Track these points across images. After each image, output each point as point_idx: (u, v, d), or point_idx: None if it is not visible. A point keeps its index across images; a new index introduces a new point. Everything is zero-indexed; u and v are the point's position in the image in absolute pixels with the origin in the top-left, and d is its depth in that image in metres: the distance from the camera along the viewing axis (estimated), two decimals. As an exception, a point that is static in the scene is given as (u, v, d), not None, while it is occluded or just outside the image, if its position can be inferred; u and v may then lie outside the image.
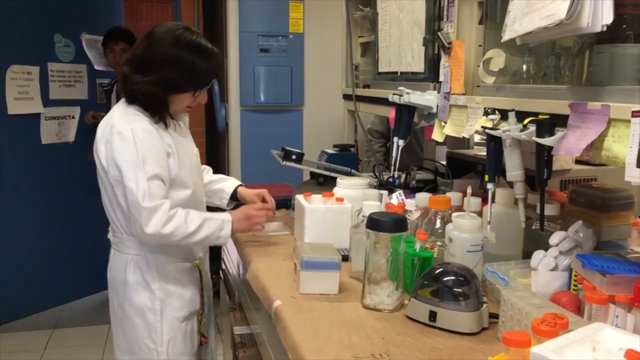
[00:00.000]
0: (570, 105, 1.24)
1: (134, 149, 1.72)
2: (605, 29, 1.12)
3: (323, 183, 2.26)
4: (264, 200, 2.02)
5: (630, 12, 1.22)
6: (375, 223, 1.42)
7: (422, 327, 1.33)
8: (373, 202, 1.69)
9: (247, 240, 2.01)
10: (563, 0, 1.14)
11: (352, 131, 2.85)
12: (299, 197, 1.96)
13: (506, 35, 1.36)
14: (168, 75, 1.76)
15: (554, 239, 1.45)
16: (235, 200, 2.09)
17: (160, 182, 1.75)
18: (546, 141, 1.27)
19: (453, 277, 1.35)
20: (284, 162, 2.22)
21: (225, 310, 2.38)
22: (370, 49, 2.67)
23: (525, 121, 1.31)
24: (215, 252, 2.42)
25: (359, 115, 2.61)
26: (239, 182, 2.14)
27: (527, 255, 1.63)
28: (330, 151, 2.59)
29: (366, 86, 2.61)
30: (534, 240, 1.65)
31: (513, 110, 1.40)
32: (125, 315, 1.89)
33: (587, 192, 1.67)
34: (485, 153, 2.48)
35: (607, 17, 1.11)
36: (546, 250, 1.47)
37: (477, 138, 2.70)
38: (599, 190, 1.67)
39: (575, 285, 1.31)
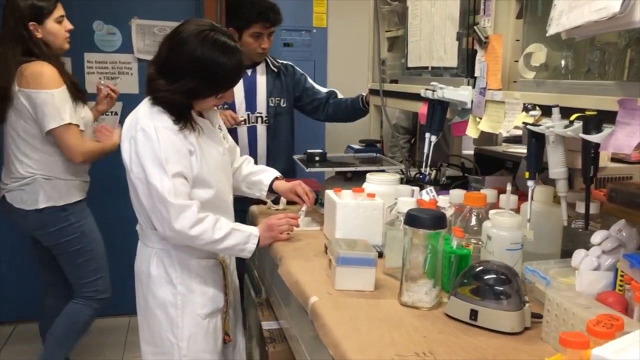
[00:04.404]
0: (619, 102, 1.21)
1: (158, 146, 1.71)
2: (659, 23, 1.09)
3: (351, 178, 2.24)
4: (297, 194, 2.03)
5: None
6: (414, 219, 1.40)
7: (462, 325, 1.31)
8: (409, 199, 1.67)
9: (276, 235, 1.99)
10: (616, -7, 1.11)
11: (377, 126, 2.83)
12: (330, 193, 1.94)
13: (552, 29, 1.33)
14: (192, 82, 1.74)
15: (596, 237, 1.41)
16: (273, 193, 2.10)
17: (183, 180, 1.74)
18: (594, 138, 1.24)
19: (494, 276, 1.32)
20: (309, 169, 2.19)
21: (250, 306, 2.37)
22: (397, 44, 2.64)
23: (573, 117, 1.28)
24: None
25: (386, 111, 2.58)
26: (277, 174, 2.13)
27: (565, 254, 1.61)
28: (356, 146, 2.56)
29: (393, 81, 2.58)
30: (571, 239, 1.63)
31: (557, 106, 1.37)
32: (148, 307, 1.89)
33: (627, 191, 1.64)
34: (513, 150, 2.48)
35: (661, 11, 1.09)
36: (585, 249, 1.44)
37: (504, 134, 2.66)
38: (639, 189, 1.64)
39: (621, 286, 1.28)
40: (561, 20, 1.29)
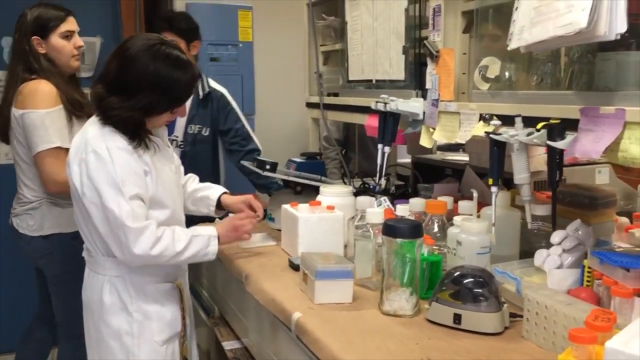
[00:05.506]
0: (581, 110, 1.31)
1: (112, 167, 1.64)
2: (619, 37, 1.19)
3: (301, 192, 2.25)
4: (251, 207, 1.99)
5: (632, 22, 1.30)
6: (392, 229, 1.43)
7: (446, 330, 1.36)
8: (377, 209, 1.70)
9: (234, 252, 1.97)
10: (582, 10, 1.20)
11: (316, 139, 2.85)
12: (287, 207, 1.94)
13: (513, 44, 1.41)
14: (147, 98, 1.68)
15: (555, 237, 1.51)
16: (221, 209, 2.05)
17: (140, 202, 1.68)
18: (559, 144, 1.33)
19: (472, 279, 1.38)
20: (265, 173, 2.18)
21: (199, 327, 2.31)
22: (333, 58, 2.68)
23: (539, 125, 1.36)
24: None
25: (327, 124, 2.62)
26: (224, 190, 2.09)
27: (522, 254, 1.71)
28: (299, 160, 2.57)
29: (332, 94, 2.61)
30: (527, 240, 1.73)
31: (519, 115, 1.45)
32: (101, 337, 1.80)
33: (574, 192, 1.75)
34: (451, 157, 2.58)
35: (621, 25, 1.18)
36: (541, 248, 1.53)
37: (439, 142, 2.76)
38: (584, 190, 1.76)
39: (589, 281, 1.37)
40: (523, 35, 1.37)
